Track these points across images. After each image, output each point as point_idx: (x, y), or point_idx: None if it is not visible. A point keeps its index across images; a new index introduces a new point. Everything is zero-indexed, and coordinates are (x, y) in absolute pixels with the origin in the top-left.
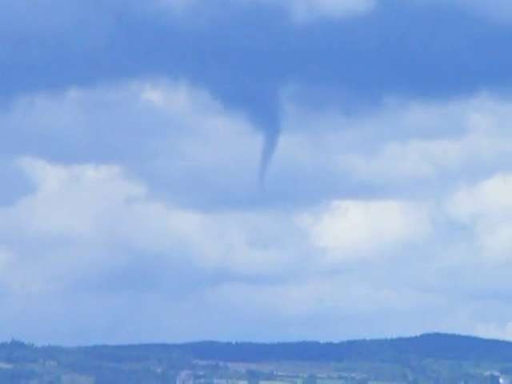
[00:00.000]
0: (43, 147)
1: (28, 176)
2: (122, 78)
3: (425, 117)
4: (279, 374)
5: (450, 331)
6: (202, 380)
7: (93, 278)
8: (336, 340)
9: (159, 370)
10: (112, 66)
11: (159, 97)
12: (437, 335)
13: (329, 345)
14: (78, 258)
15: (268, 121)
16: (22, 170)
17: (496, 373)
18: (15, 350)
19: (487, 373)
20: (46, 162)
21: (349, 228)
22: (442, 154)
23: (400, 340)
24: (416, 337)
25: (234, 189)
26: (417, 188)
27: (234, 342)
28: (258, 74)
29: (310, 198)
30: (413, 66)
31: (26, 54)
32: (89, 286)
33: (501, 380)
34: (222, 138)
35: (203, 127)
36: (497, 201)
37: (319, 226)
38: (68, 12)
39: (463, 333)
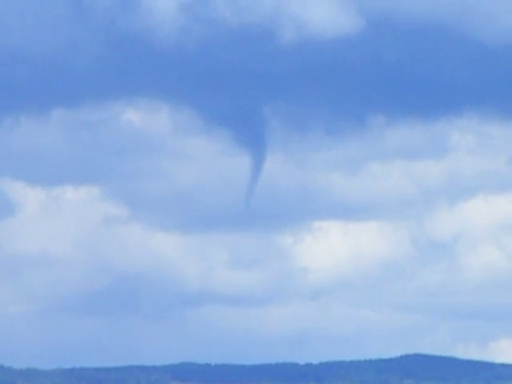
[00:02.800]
0: (23, 168)
1: (7, 197)
2: (106, 98)
3: (409, 136)
4: None
5: (430, 352)
6: None
7: (72, 300)
8: (316, 361)
9: None
10: (97, 86)
11: (141, 117)
12: (417, 356)
13: (308, 366)
14: (58, 280)
15: (251, 141)
16: (1, 192)
17: None
18: None
19: None
20: (25, 184)
21: (330, 248)
22: (424, 174)
23: (380, 361)
24: (396, 357)
25: (215, 210)
26: (399, 208)
27: (213, 363)
28: (242, 93)
29: (292, 219)
30: (399, 85)
31: (11, 74)
32: (68, 307)
33: None
34: (204, 159)
35: (185, 147)
36: (478, 221)
37: (300, 246)
38: (55, 32)
39: (443, 353)
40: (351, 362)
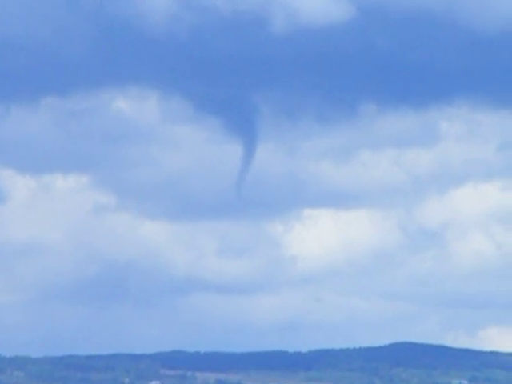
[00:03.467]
0: (13, 156)
1: None
2: (96, 86)
3: (399, 125)
4: (247, 383)
5: (419, 340)
6: None
7: (61, 288)
8: (305, 349)
9: (127, 380)
10: (87, 74)
11: (130, 105)
12: (406, 344)
13: (297, 354)
14: (47, 268)
15: (241, 129)
16: None
17: (464, 382)
18: None
19: (456, 382)
20: (15, 172)
21: (320, 236)
22: (413, 162)
23: (369, 349)
24: (385, 346)
25: (204, 198)
26: (389, 196)
27: (202, 351)
28: (233, 81)
29: (282, 207)
30: (390, 73)
31: (1, 63)
32: (57, 295)
33: None
34: (193, 147)
35: (174, 135)
36: (467, 209)
37: (290, 234)
38: (45, 21)
39: (432, 342)
40: (340, 350)
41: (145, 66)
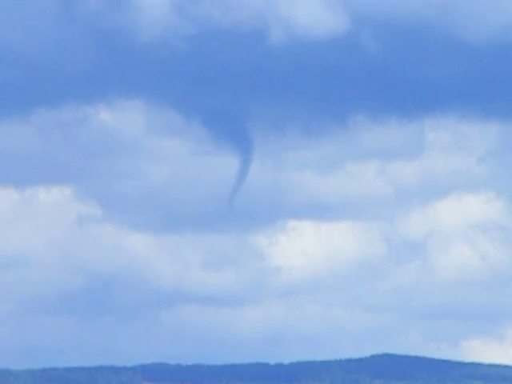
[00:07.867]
0: None
1: None
2: (85, 98)
3: (386, 136)
4: None
5: (400, 352)
6: None
7: (44, 300)
8: (286, 361)
9: None
10: (78, 86)
11: (115, 117)
12: (387, 356)
13: (279, 366)
14: (30, 280)
15: (230, 140)
16: None
17: None
18: None
19: None
20: None
21: (304, 248)
22: (398, 174)
23: (350, 361)
24: (366, 357)
25: (189, 210)
26: (373, 208)
27: (184, 363)
28: (224, 93)
29: (266, 218)
30: (380, 85)
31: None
32: (39, 307)
33: None
34: (178, 158)
35: (158, 148)
36: (451, 220)
37: (274, 246)
38: (36, 34)
39: (414, 353)
40: (322, 362)
41: (135, 77)
